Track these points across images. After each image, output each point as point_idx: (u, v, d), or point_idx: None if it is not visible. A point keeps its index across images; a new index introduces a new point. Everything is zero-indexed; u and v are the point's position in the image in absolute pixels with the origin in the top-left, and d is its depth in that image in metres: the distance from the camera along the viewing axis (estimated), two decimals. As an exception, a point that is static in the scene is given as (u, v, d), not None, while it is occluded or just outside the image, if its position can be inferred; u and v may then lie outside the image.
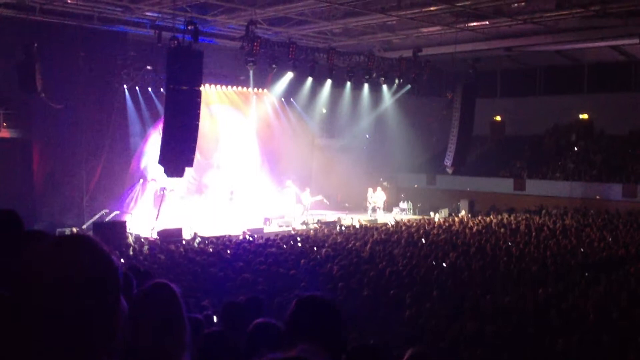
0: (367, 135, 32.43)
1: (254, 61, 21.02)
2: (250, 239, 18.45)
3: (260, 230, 21.90)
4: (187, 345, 2.30)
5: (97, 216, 21.06)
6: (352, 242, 16.90)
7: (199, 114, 19.20)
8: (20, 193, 19.24)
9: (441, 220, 24.27)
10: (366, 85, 28.50)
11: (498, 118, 35.60)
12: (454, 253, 15.03)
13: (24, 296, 1.47)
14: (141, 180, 23.88)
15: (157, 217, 20.96)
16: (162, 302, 2.38)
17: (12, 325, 1.49)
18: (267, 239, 17.57)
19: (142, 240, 18.38)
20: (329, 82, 27.10)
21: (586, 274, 13.14)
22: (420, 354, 3.40)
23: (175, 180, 21.33)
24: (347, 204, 29.93)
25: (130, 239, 18.02)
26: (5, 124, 20.88)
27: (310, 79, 25.96)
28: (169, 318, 2.34)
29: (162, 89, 21.74)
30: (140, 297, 2.43)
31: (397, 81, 26.95)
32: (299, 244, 16.96)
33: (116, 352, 1.62)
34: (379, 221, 24.87)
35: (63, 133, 21.09)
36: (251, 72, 23.69)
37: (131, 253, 15.47)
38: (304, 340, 2.30)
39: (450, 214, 27.39)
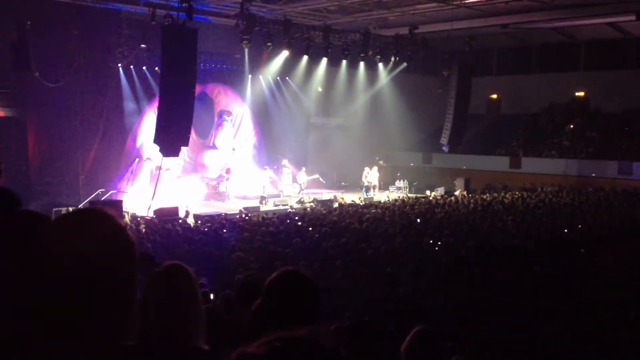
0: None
1: (249, 39, 20.88)
2: (246, 217, 18.48)
3: (257, 208, 21.94)
4: (201, 326, 2.30)
5: (93, 195, 21.02)
6: (348, 221, 16.91)
7: (194, 92, 19.13)
8: (16, 173, 19.13)
9: (437, 198, 24.30)
10: (362, 64, 28.34)
11: (494, 96, 35.55)
12: (450, 231, 15.06)
13: (40, 270, 1.46)
14: (137, 160, 23.85)
15: (153, 196, 20.96)
16: (180, 284, 2.36)
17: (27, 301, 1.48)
18: (263, 218, 17.58)
19: (139, 219, 18.38)
20: (324, 60, 26.97)
21: (582, 251, 13.21)
22: (424, 332, 3.40)
23: (170, 159, 21.29)
24: (343, 183, 29.93)
25: (127, 218, 18.01)
26: (-1, 103, 20.75)
27: (305, 58, 25.82)
28: (186, 299, 2.34)
29: (157, 68, 21.58)
30: (157, 277, 2.41)
31: (392, 59, 26.85)
32: (295, 223, 16.98)
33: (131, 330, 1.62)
34: (375, 199, 24.88)
35: (58, 112, 20.96)
36: (246, 51, 23.56)
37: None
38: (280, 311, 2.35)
39: (446, 192, 27.42)
